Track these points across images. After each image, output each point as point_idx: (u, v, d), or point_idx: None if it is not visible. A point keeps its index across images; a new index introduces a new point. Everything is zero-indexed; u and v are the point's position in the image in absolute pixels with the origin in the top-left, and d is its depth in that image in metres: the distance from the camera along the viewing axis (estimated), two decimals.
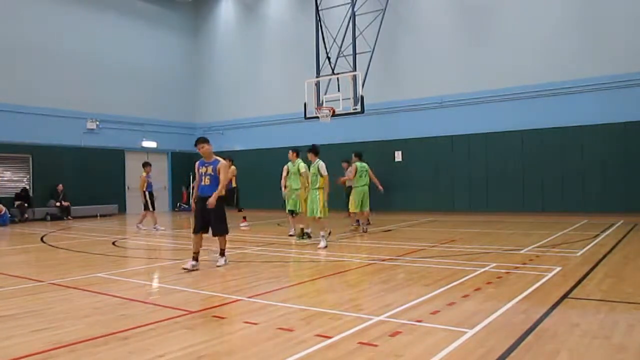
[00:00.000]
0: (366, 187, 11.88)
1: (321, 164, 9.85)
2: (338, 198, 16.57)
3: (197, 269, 7.10)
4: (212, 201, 7.09)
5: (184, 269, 7.05)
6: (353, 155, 12.58)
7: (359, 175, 11.83)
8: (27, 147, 18.38)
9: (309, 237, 10.60)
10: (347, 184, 13.93)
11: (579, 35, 15.60)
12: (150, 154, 22.52)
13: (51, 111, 19.06)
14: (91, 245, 10.58)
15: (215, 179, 7.26)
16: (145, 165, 14.45)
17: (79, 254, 9.36)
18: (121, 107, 21.44)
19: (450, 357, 3.45)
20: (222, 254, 7.54)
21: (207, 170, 7.32)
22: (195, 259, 7.25)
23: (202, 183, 7.35)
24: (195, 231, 7.32)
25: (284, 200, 11.44)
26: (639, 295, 5.19)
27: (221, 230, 7.41)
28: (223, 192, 7.34)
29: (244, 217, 14.13)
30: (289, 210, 11.24)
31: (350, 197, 12.04)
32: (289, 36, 21.56)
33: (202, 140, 7.49)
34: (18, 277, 6.88)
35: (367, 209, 11.96)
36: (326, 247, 9.32)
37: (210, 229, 7.35)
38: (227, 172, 7.39)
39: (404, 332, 4.02)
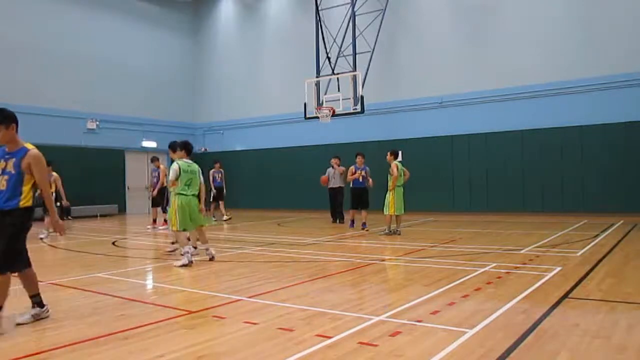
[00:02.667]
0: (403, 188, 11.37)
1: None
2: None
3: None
4: (58, 228, 4.68)
5: None
6: (389, 153, 11.44)
7: (399, 174, 11.12)
8: None
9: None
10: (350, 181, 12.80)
11: (579, 35, 15.60)
12: (150, 154, 22.48)
13: (51, 111, 19.05)
14: (91, 245, 10.58)
15: (16, 181, 4.39)
16: (215, 162, 16.23)
17: (79, 254, 9.36)
18: (121, 107, 21.44)
19: (450, 357, 3.45)
20: (34, 304, 4.62)
21: (5, 167, 4.43)
22: None
23: None
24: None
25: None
26: (639, 295, 5.20)
27: (8, 266, 4.39)
28: (51, 203, 4.65)
29: (165, 220, 14.37)
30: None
31: (389, 198, 11.10)
32: (289, 36, 21.56)
33: (4, 117, 4.52)
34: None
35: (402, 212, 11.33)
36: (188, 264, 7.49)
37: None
38: (43, 168, 4.53)
39: (404, 332, 4.02)
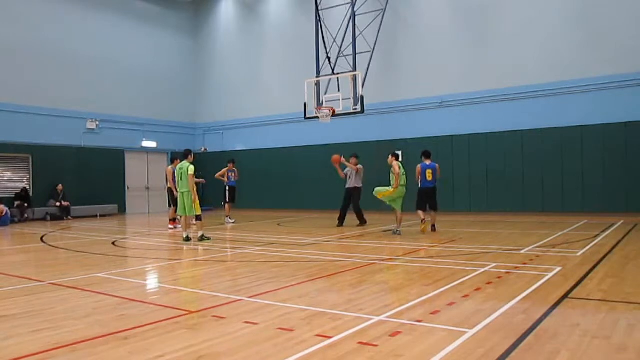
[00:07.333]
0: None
1: None
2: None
3: None
4: None
5: None
6: (390, 155, 11.52)
7: (402, 174, 11.28)
8: (27, 147, 18.37)
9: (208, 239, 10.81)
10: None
11: (578, 35, 15.59)
12: (150, 154, 22.53)
13: (51, 111, 19.06)
14: (91, 245, 10.58)
15: None
16: (230, 161, 15.98)
17: (79, 254, 9.36)
18: (121, 107, 21.45)
19: (450, 357, 3.45)
20: None
21: None
22: None
23: None
24: None
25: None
26: (639, 295, 5.19)
27: None
28: None
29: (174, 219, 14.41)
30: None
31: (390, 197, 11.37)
32: (289, 36, 21.56)
33: None
34: (18, 277, 6.88)
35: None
36: None
37: None
38: None
39: (404, 332, 4.02)
